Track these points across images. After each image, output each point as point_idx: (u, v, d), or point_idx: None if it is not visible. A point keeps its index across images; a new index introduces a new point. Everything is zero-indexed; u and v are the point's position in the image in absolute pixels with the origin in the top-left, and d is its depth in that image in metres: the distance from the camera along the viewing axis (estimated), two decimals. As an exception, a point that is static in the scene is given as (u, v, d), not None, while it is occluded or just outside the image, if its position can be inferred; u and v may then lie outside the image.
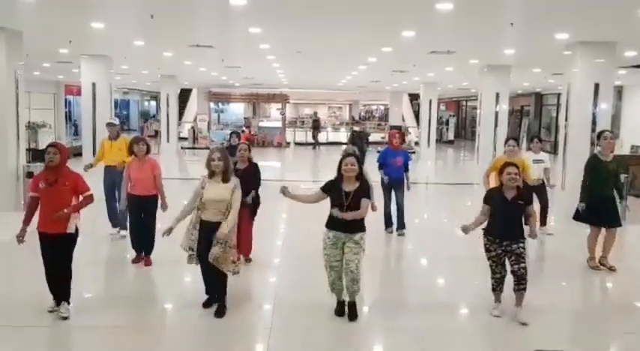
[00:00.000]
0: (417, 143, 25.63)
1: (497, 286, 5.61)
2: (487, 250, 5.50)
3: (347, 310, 5.42)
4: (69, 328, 5.16)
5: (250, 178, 6.69)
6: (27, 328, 5.10)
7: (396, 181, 8.69)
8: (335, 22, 9.28)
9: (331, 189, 5.28)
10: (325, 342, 5.01)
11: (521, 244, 5.34)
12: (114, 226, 8.39)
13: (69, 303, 5.33)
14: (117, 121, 8.66)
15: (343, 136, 28.98)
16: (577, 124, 10.43)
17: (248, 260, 7.12)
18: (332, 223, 5.24)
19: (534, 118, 29.12)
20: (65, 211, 5.09)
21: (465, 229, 5.42)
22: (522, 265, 5.30)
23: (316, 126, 28.40)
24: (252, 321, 5.44)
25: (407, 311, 5.76)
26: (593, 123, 10.29)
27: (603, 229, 7.26)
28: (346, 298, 5.44)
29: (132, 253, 7.21)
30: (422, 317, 5.58)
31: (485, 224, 5.53)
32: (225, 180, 5.38)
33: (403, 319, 5.50)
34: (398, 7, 8.10)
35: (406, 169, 8.72)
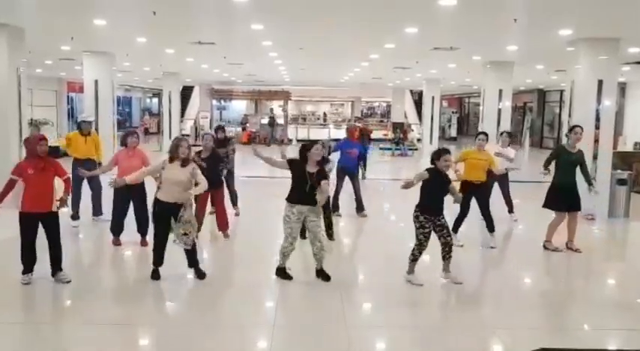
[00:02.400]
0: (419, 140, 25.58)
1: (420, 256, 6.24)
2: (422, 227, 6.10)
3: (320, 275, 6.31)
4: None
5: (210, 166, 7.43)
6: (32, 324, 5.11)
7: (350, 170, 9.60)
8: (337, 18, 9.26)
9: (294, 166, 6.13)
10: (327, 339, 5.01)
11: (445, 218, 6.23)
12: (74, 218, 8.75)
13: (61, 269, 6.11)
14: (92, 119, 9.68)
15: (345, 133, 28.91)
16: (580, 120, 10.32)
17: (226, 236, 8.14)
18: (295, 199, 6.09)
19: (537, 115, 29.06)
20: (63, 197, 6.00)
21: (408, 185, 6.03)
22: (450, 236, 6.24)
23: (271, 123, 28.14)
24: (256, 317, 5.45)
25: (410, 308, 5.75)
26: (597, 120, 10.25)
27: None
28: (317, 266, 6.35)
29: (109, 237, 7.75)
30: (422, 316, 5.58)
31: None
32: (184, 165, 6.07)
33: (406, 319, 5.50)
34: (401, 4, 8.08)
35: (361, 160, 9.79)
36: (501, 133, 9.79)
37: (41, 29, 10.73)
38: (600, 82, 10.27)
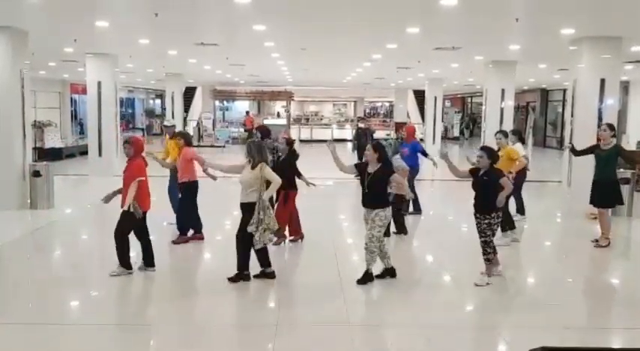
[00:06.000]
0: (421, 140, 25.56)
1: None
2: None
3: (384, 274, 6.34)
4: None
5: (286, 167, 7.66)
6: (44, 326, 5.14)
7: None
8: (339, 19, 9.27)
9: (360, 169, 6.20)
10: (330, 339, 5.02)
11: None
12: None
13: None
14: (171, 123, 9.52)
15: (348, 133, 28.95)
16: (583, 119, 10.38)
17: (296, 239, 7.90)
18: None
19: (540, 114, 29.00)
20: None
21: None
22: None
23: (186, 124, 27.72)
24: (259, 317, 5.47)
25: (413, 308, 5.75)
26: (599, 119, 10.23)
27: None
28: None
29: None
30: (425, 315, 5.58)
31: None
32: (253, 167, 6.08)
33: (408, 318, 5.50)
34: (402, 4, 8.08)
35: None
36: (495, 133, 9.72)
37: (44, 31, 10.76)
38: (603, 81, 10.27)
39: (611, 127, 8.08)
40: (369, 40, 11.82)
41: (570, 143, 8.36)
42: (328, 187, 13.82)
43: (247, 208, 6.03)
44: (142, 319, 5.47)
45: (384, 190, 6.08)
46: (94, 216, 10.12)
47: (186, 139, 7.93)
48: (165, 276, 6.76)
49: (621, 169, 10.61)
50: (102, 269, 6.57)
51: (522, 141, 9.56)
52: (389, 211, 6.10)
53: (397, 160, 7.74)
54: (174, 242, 7.83)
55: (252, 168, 6.08)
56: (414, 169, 9.63)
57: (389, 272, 6.34)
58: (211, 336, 5.05)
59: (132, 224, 6.28)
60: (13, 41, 10.02)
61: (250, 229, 5.93)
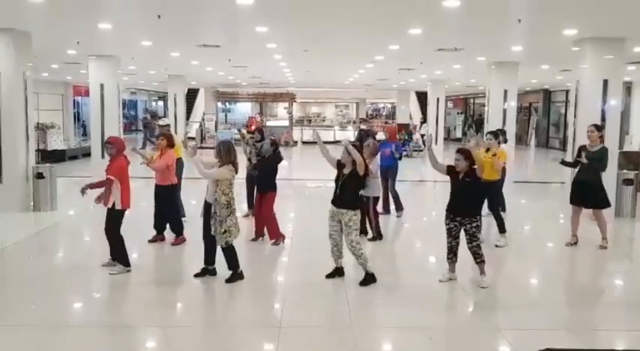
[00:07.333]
0: (423, 142, 25.54)
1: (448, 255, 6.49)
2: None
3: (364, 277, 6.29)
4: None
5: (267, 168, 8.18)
6: (39, 327, 5.15)
7: (383, 168, 9.49)
8: (342, 20, 9.27)
9: (339, 168, 6.30)
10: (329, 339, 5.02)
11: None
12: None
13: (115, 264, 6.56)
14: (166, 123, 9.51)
15: (350, 134, 28.93)
16: (586, 120, 10.29)
17: (276, 243, 8.01)
18: (332, 199, 6.27)
19: (543, 115, 28.97)
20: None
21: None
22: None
23: (145, 125, 26.25)
24: (262, 318, 5.47)
25: (416, 309, 5.75)
26: (602, 119, 10.19)
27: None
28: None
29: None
30: (428, 317, 5.58)
31: None
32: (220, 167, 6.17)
33: (412, 320, 5.49)
34: (405, 5, 8.08)
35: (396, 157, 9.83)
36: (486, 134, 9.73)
37: (47, 33, 10.78)
38: (606, 82, 10.23)
39: (598, 127, 8.08)
40: (372, 41, 11.81)
41: (556, 158, 8.46)
42: (330, 189, 13.81)
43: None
44: (143, 319, 5.47)
45: (356, 192, 6.22)
46: (96, 218, 10.10)
47: (168, 141, 7.92)
48: (164, 276, 6.78)
49: (624, 170, 10.62)
50: (105, 270, 6.58)
51: (505, 141, 9.72)
52: (359, 213, 6.26)
53: (375, 166, 7.98)
54: (172, 244, 7.91)
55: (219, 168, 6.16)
56: (392, 169, 9.81)
57: (338, 272, 6.45)
58: (212, 336, 5.06)
59: (120, 220, 6.43)
60: (16, 43, 10.04)
61: (212, 228, 6.07)
